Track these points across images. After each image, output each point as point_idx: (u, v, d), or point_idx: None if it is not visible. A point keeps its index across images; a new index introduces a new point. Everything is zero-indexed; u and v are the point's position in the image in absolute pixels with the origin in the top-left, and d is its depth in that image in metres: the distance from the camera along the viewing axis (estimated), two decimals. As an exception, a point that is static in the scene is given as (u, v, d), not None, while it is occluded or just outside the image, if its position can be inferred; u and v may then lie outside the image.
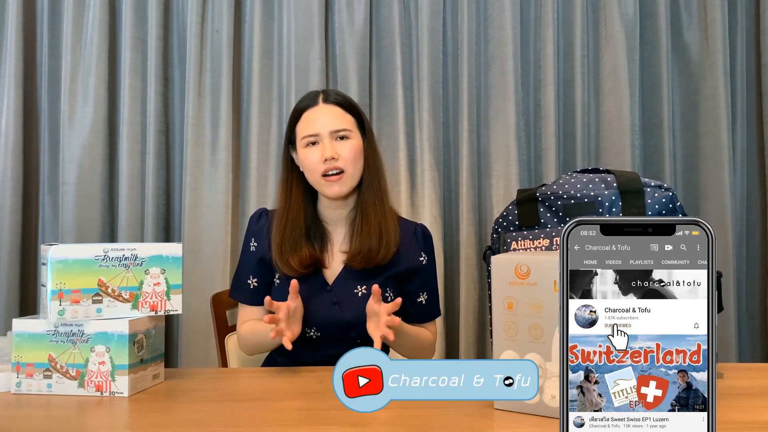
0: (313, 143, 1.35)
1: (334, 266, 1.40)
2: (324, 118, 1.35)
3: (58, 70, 2.23)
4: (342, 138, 1.35)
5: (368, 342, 1.37)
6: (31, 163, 2.24)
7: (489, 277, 1.18)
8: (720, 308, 1.13)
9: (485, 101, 2.22)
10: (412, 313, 1.42)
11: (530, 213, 1.19)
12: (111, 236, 2.20)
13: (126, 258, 1.08)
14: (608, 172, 1.18)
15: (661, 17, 2.21)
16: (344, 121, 1.37)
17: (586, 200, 1.14)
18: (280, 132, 2.21)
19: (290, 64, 2.19)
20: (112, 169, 2.23)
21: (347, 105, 1.40)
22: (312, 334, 1.34)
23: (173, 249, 1.12)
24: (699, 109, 2.25)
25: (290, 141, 1.43)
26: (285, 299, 1.34)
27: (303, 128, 1.37)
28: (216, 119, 2.20)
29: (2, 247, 2.13)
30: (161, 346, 1.13)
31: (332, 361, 1.34)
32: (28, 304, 2.21)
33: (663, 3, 2.21)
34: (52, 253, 1.05)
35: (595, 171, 1.20)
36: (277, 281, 1.38)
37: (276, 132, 2.22)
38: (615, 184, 1.13)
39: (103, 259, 1.07)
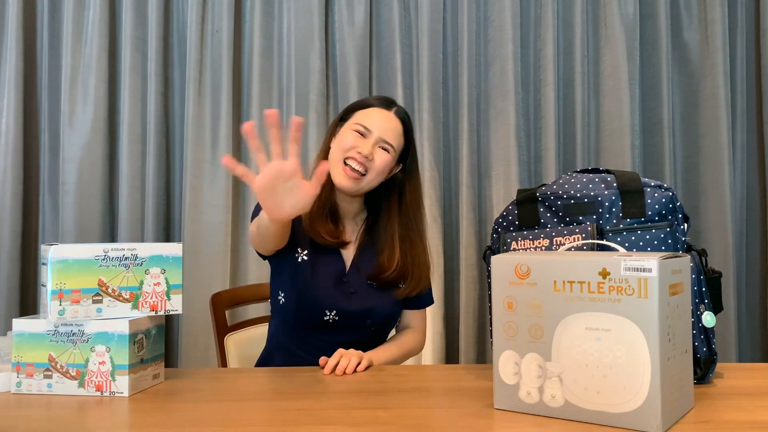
0: (361, 134, 1.38)
1: (346, 255, 1.45)
2: (385, 124, 1.39)
3: (58, 70, 2.23)
4: (383, 149, 1.39)
5: (381, 329, 1.45)
6: (31, 163, 2.24)
7: (489, 277, 1.18)
8: (720, 308, 1.13)
9: (485, 101, 2.22)
10: (408, 302, 1.49)
11: (530, 213, 1.19)
12: (111, 236, 2.21)
13: (126, 258, 1.08)
14: (608, 172, 1.17)
15: (661, 17, 2.21)
16: (397, 138, 1.41)
17: (586, 200, 1.13)
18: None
19: (290, 64, 2.19)
20: (113, 169, 2.23)
21: (408, 130, 1.45)
22: (330, 318, 1.37)
23: (173, 249, 1.12)
24: (699, 109, 2.25)
25: (342, 118, 1.46)
26: (307, 277, 1.39)
27: (363, 117, 1.40)
28: (216, 119, 2.20)
29: (2, 247, 2.13)
30: (161, 346, 1.13)
31: (348, 345, 1.37)
32: (28, 304, 2.21)
33: (663, 3, 2.21)
34: (52, 253, 1.05)
35: (595, 171, 1.19)
36: (305, 257, 1.39)
37: (276, 132, 2.22)
38: (615, 184, 1.13)
39: (103, 259, 1.07)
